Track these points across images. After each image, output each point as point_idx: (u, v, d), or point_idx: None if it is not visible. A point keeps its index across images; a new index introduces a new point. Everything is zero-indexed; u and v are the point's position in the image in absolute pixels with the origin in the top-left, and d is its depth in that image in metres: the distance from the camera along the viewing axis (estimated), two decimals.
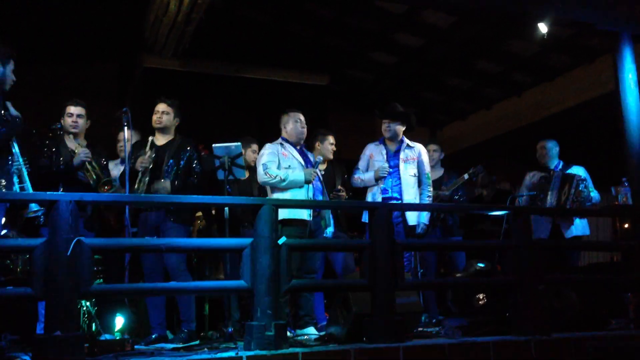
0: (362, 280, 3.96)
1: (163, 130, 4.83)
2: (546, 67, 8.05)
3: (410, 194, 5.29)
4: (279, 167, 4.86)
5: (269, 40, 8.70)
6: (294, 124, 5.05)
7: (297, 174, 4.86)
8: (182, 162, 4.75)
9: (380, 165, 5.31)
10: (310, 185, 4.92)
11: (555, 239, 5.78)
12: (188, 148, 4.82)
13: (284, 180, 4.80)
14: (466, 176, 6.05)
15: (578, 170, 5.96)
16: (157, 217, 4.61)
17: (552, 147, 6.13)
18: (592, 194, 5.84)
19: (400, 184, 5.34)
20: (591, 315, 4.60)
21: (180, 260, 4.59)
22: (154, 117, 4.83)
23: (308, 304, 4.89)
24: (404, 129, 5.49)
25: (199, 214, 5.57)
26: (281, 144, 5.03)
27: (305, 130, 5.10)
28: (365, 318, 3.88)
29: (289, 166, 4.90)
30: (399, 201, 5.28)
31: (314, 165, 4.99)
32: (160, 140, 4.83)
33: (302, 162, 4.98)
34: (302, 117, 5.10)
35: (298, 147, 5.08)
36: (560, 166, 6.08)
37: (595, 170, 6.21)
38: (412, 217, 5.24)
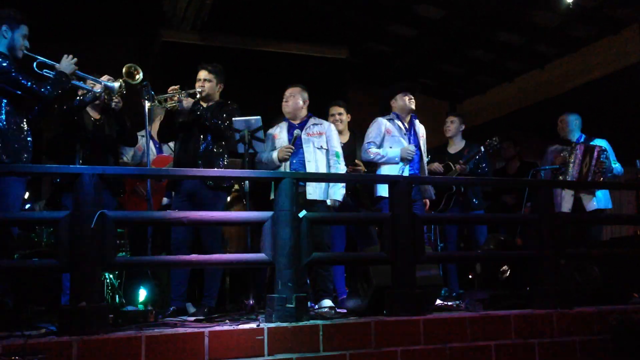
0: (383, 253, 3.95)
1: (206, 97, 4.82)
2: (570, 38, 7.90)
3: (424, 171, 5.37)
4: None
5: (288, 13, 8.61)
6: (291, 99, 5.06)
7: (273, 154, 4.94)
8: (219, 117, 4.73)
9: (406, 148, 5.24)
10: (287, 163, 4.91)
11: (577, 213, 5.73)
12: (226, 108, 4.80)
13: (265, 163, 4.97)
14: (482, 149, 5.99)
15: (600, 143, 5.89)
16: (193, 185, 4.60)
17: (573, 120, 6.05)
18: (613, 165, 5.78)
19: (419, 161, 5.34)
20: (613, 288, 4.56)
21: (215, 236, 4.62)
22: (197, 85, 4.82)
23: (322, 278, 4.92)
24: None
25: (236, 186, 5.53)
26: (280, 124, 5.13)
27: (298, 105, 5.06)
28: (386, 291, 3.89)
29: (275, 148, 5.00)
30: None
31: (292, 141, 4.94)
32: (203, 105, 4.84)
33: (286, 140, 5.02)
34: (296, 92, 5.09)
35: (297, 123, 5.07)
36: (582, 139, 6.00)
37: (620, 144, 6.13)
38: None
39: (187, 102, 4.63)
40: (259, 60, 8.56)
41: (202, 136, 4.68)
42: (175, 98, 4.64)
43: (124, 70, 4.55)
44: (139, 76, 4.56)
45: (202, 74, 4.84)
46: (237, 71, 8.46)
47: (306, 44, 8.80)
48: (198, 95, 4.74)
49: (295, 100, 5.08)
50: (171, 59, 8.01)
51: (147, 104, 4.60)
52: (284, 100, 5.13)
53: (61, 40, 7.62)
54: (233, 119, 4.69)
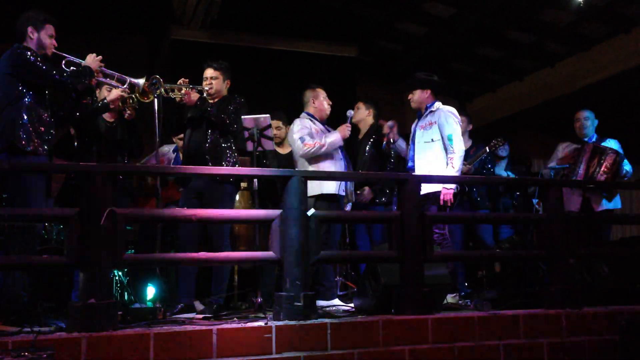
0: (391, 251, 3.95)
1: (214, 94, 4.84)
2: (581, 37, 7.84)
3: (422, 163, 5.01)
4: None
5: (297, 11, 8.61)
6: (323, 100, 5.08)
7: (332, 135, 4.96)
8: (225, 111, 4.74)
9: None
10: (341, 161, 4.94)
11: (587, 212, 5.69)
12: (232, 102, 4.80)
13: (323, 145, 4.91)
14: (487, 149, 5.95)
15: (611, 144, 5.84)
16: (201, 180, 4.61)
17: (591, 118, 6.00)
18: (625, 168, 5.72)
19: (414, 153, 5.25)
20: (623, 288, 4.54)
21: (224, 233, 4.64)
22: (204, 84, 4.84)
23: (329, 275, 4.94)
24: (427, 95, 5.21)
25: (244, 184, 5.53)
26: (310, 119, 5.10)
27: (329, 107, 5.15)
28: (394, 289, 3.88)
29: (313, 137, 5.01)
30: (412, 170, 5.10)
31: (349, 120, 5.05)
32: (210, 102, 4.86)
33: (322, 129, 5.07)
34: (325, 94, 5.16)
35: (323, 124, 5.11)
36: (594, 138, 5.95)
37: (631, 143, 6.08)
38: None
39: (194, 96, 4.66)
40: (268, 59, 8.58)
41: (209, 131, 4.69)
42: (183, 91, 4.65)
43: (141, 82, 4.57)
44: (152, 96, 4.59)
45: (209, 72, 4.85)
46: (246, 69, 8.49)
47: (316, 42, 8.80)
48: (205, 94, 4.76)
49: None
50: (180, 57, 8.03)
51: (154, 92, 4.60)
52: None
53: (71, 37, 7.65)
54: (242, 116, 4.70)
